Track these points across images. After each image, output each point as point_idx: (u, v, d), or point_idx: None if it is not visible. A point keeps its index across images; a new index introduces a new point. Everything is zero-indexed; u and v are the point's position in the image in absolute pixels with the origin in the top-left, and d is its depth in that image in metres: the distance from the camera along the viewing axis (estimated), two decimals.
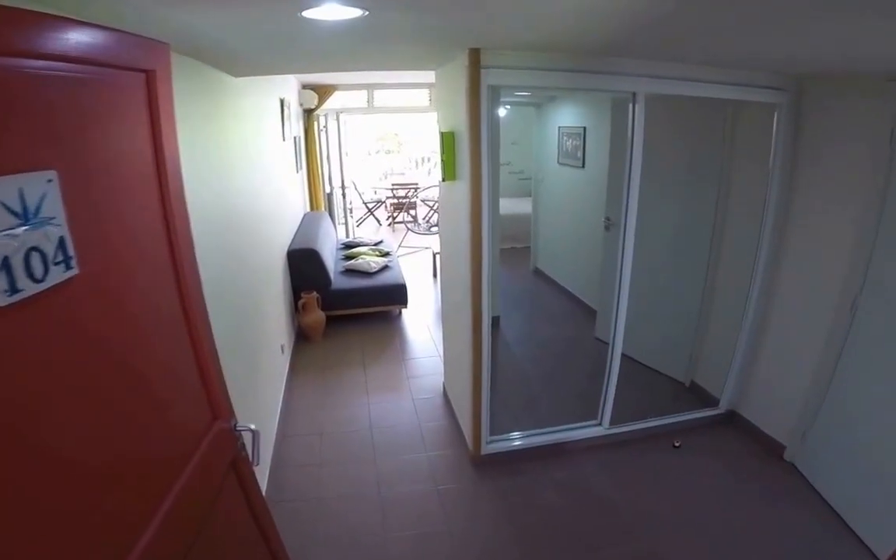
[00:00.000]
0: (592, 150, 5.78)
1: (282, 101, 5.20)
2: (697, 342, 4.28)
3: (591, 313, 5.56)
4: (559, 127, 6.35)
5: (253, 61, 2.72)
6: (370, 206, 10.76)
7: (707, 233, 4.07)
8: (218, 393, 1.64)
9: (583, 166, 5.95)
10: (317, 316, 5.30)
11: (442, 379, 4.57)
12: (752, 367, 3.81)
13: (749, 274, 3.65)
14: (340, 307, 5.55)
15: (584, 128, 5.85)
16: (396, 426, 4.01)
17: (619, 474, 3.44)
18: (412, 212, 10.31)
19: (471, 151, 2.71)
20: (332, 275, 5.52)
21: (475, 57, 2.55)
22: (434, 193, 10.82)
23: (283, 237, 5.11)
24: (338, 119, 7.62)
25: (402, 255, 7.87)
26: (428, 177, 13.14)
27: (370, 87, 8.22)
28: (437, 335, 5.49)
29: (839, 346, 3.06)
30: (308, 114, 7.71)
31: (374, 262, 5.90)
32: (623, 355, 3.65)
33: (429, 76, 7.24)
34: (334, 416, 4.15)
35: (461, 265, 3.19)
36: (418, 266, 7.83)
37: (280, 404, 4.13)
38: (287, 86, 5.95)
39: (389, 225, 10.63)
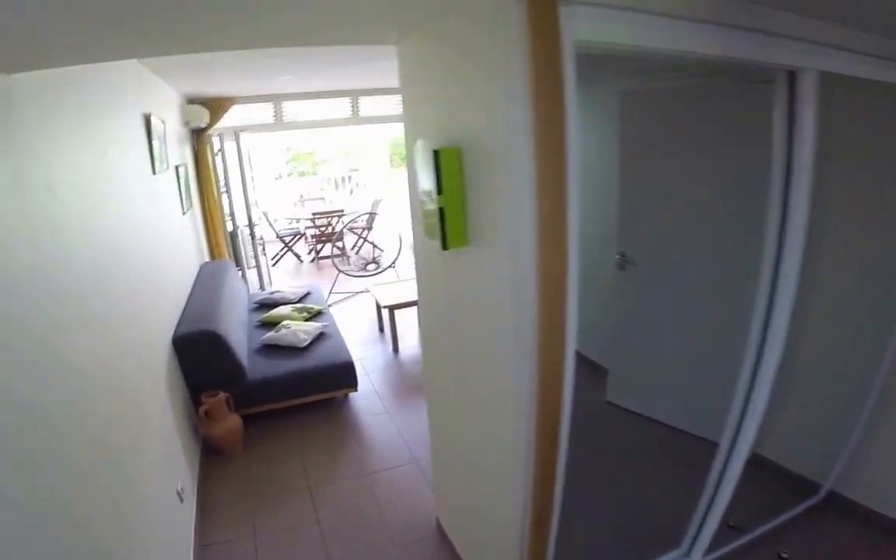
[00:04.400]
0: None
1: (147, 119, 3.50)
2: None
3: (596, 371, 4.25)
4: None
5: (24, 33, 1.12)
6: (287, 239, 8.99)
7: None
8: None
9: None
10: (229, 423, 3.62)
11: (430, 504, 3.12)
12: (874, 437, 2.72)
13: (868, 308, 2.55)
14: (262, 402, 3.89)
15: None
16: None
17: None
18: (339, 244, 8.66)
19: (538, 183, 1.22)
20: (244, 360, 3.84)
21: None
22: (362, 219, 9.22)
23: (164, 314, 3.41)
24: (237, 139, 5.92)
25: (333, 303, 6.25)
26: (350, 198, 11.51)
27: (277, 99, 6.57)
28: (406, 426, 3.98)
29: None
30: (198, 135, 5.94)
31: (303, 331, 4.26)
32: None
33: (353, 80, 5.72)
34: None
35: (482, 364, 1.72)
36: (357, 317, 6.22)
37: None
38: (157, 97, 4.23)
39: (313, 261, 8.91)
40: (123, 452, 2.14)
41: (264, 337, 4.26)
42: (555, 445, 1.51)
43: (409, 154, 1.91)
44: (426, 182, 1.56)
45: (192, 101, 5.86)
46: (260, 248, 6.57)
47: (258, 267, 6.48)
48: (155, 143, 3.66)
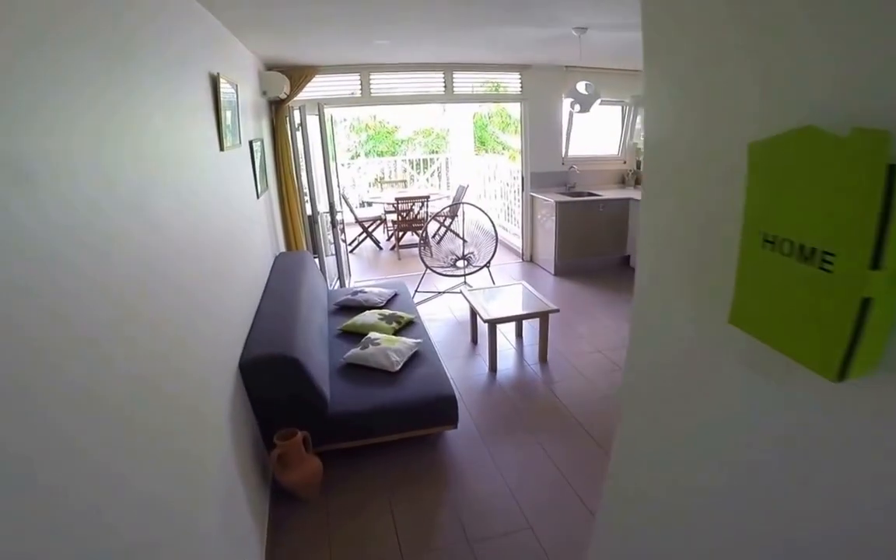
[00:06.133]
0: None
1: (214, 81, 2.77)
2: None
3: None
4: None
5: None
6: (367, 225, 8.30)
7: None
8: None
9: None
10: (307, 468, 2.88)
11: None
12: None
13: None
14: (345, 439, 3.14)
15: None
16: None
17: None
18: (421, 232, 7.89)
19: None
20: (327, 389, 3.09)
21: None
22: (442, 205, 8.41)
23: (230, 327, 2.70)
24: (321, 113, 5.21)
25: (419, 303, 5.46)
26: (430, 182, 10.72)
27: (364, 70, 5.82)
28: (513, 476, 3.16)
29: None
30: (276, 107, 5.26)
31: (395, 351, 3.47)
32: None
33: (447, 52, 4.88)
34: None
35: None
36: (444, 322, 5.40)
37: None
38: (230, 59, 3.52)
39: (393, 249, 8.19)
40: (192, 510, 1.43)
41: (348, 354, 3.50)
42: None
43: (666, 155, 1.01)
44: (810, 229, 0.65)
45: (270, 67, 5.19)
46: (341, 239, 5.85)
47: (338, 258, 5.77)
48: (226, 112, 2.94)
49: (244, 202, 3.51)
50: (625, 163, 7.27)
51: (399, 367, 3.39)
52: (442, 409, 3.22)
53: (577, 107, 4.12)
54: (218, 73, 2.81)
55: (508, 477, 3.15)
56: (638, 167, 7.19)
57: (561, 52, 5.20)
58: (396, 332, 3.95)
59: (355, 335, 3.88)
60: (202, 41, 2.74)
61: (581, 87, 4.10)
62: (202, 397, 2.04)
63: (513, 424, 3.67)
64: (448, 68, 6.08)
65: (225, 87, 2.94)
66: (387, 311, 4.15)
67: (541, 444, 3.41)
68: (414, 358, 3.55)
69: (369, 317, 4.04)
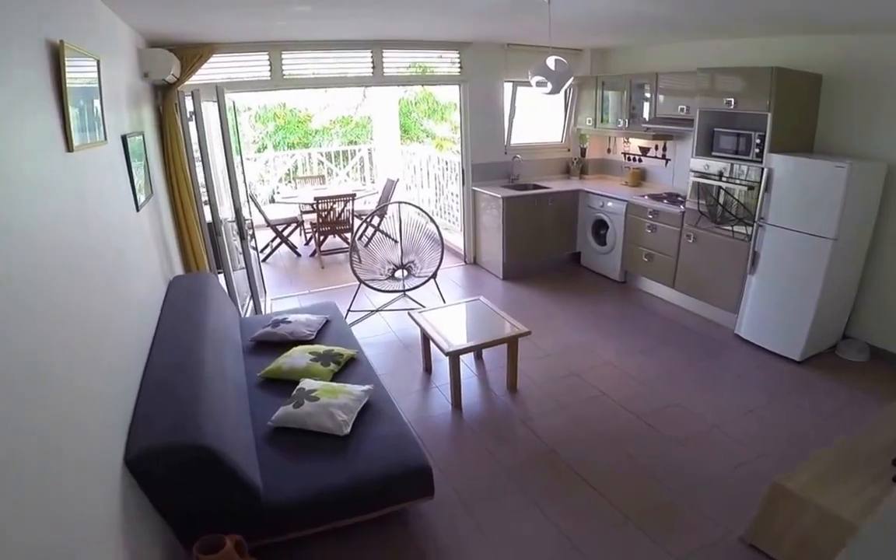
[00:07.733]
0: None
1: (56, 51, 1.83)
2: None
3: None
4: None
5: None
6: (281, 228, 7.25)
7: None
8: None
9: None
10: None
11: None
12: None
13: None
14: (288, 530, 2.30)
15: None
16: None
17: None
18: (346, 234, 7.01)
19: None
20: (257, 473, 2.23)
21: None
22: (370, 202, 7.56)
23: (102, 406, 1.81)
24: (220, 98, 4.19)
25: (351, 323, 4.62)
26: (350, 177, 9.73)
27: (273, 48, 4.90)
28: (508, 549, 2.46)
29: None
30: (164, 92, 4.21)
31: (339, 407, 2.63)
32: None
33: (375, 27, 3.97)
34: None
35: None
36: (385, 346, 4.59)
37: None
38: (85, 24, 2.53)
39: (314, 256, 7.21)
40: None
41: (277, 416, 2.63)
42: None
43: None
44: None
45: (155, 44, 4.15)
46: (251, 247, 4.86)
47: (250, 274, 4.79)
48: (79, 97, 2.00)
49: (117, 218, 2.54)
50: (568, 150, 6.71)
51: (349, 428, 2.57)
52: (412, 481, 2.45)
53: (549, 86, 3.41)
54: (62, 41, 1.86)
55: (510, 557, 2.44)
56: (582, 155, 6.65)
57: (509, 25, 4.52)
58: (336, 376, 3.11)
59: (282, 383, 3.00)
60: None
61: (551, 62, 3.38)
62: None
63: (498, 482, 2.94)
64: (377, 46, 5.24)
65: (75, 63, 1.99)
66: (321, 348, 3.29)
67: (538, 506, 2.72)
68: (365, 412, 2.74)
69: (299, 358, 3.16)
